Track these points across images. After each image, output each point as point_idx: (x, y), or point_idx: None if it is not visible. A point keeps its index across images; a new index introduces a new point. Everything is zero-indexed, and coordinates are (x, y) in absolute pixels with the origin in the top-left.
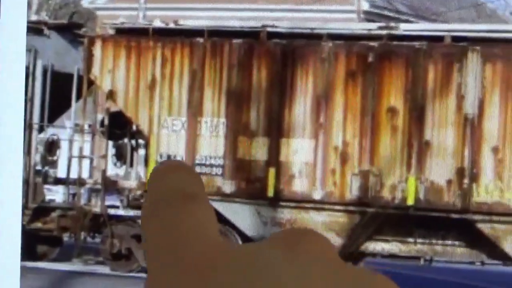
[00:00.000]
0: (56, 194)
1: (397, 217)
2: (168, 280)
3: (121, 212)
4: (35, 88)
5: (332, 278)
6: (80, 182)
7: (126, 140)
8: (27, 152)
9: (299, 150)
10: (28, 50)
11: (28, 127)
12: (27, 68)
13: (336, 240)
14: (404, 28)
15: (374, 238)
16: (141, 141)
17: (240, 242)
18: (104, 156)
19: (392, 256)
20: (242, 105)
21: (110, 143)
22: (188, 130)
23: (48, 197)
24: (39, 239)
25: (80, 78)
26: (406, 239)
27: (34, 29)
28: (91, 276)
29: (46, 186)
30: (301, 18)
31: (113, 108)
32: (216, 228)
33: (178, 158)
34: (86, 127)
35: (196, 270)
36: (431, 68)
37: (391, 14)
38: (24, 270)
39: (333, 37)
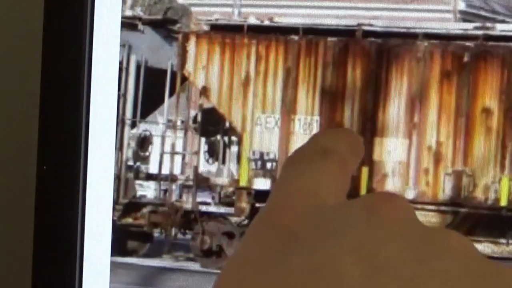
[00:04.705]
0: (147, 190)
1: (489, 218)
2: (268, 234)
3: (212, 208)
4: (128, 84)
5: (411, 240)
6: (171, 178)
7: (218, 137)
8: (119, 147)
9: (392, 149)
10: (122, 45)
11: (120, 122)
12: (121, 63)
13: None
14: (500, 28)
15: None
16: (233, 138)
17: None
18: (197, 153)
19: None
20: (336, 103)
21: (203, 139)
22: (281, 128)
23: (139, 192)
24: (129, 234)
25: (173, 74)
26: (498, 240)
27: (128, 24)
28: (181, 272)
29: (138, 181)
30: (397, 17)
31: (206, 105)
32: (332, 188)
33: (271, 155)
34: (178, 123)
35: (286, 230)
36: None
37: (487, 14)
38: (114, 265)
39: (428, 36)
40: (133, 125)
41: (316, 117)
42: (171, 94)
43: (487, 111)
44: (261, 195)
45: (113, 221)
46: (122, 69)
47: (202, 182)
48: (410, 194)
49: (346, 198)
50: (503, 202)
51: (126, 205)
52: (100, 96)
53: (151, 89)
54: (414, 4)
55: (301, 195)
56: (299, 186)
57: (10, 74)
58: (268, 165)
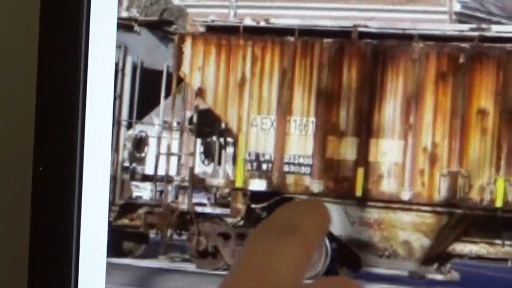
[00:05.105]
0: (143, 191)
1: (485, 219)
2: None
3: (208, 209)
4: (124, 85)
5: None
6: (167, 179)
7: (214, 138)
8: (115, 148)
9: (388, 151)
10: (118, 47)
11: (116, 123)
12: (117, 64)
13: (424, 241)
14: (496, 29)
15: (461, 240)
16: (229, 139)
17: (327, 241)
18: (192, 154)
19: (479, 258)
20: (332, 105)
21: (199, 140)
22: (277, 129)
23: (135, 193)
24: (125, 235)
25: (169, 75)
26: (493, 241)
27: (124, 25)
28: (177, 273)
29: (133, 182)
30: (393, 18)
31: (202, 106)
32: (292, 269)
33: (267, 156)
34: (174, 124)
35: None
36: None
37: (482, 16)
38: (110, 266)
39: (424, 37)
40: (129, 126)
41: (312, 118)
42: (167, 95)
43: (482, 112)
44: (257, 196)
45: (109, 222)
46: (118, 71)
47: (198, 183)
48: (405, 195)
49: (305, 275)
50: (499, 203)
51: (122, 206)
52: (96, 97)
53: (147, 90)
54: (410, 6)
55: (263, 276)
56: (261, 266)
57: (6, 76)
58: (264, 166)
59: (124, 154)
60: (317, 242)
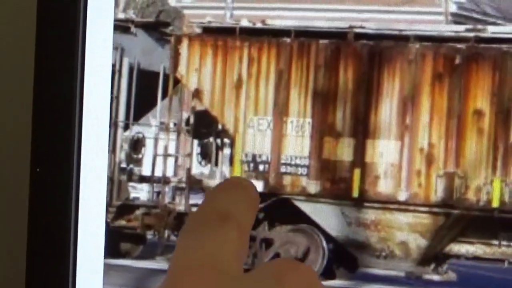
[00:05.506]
0: (140, 192)
1: (481, 220)
2: None
3: None
4: (121, 86)
5: None
6: (164, 180)
7: (211, 139)
8: (112, 150)
9: (384, 151)
10: (115, 48)
11: (113, 125)
12: (113, 66)
13: (421, 242)
14: (492, 30)
15: (458, 240)
16: (226, 140)
17: (324, 242)
18: (189, 155)
19: (476, 258)
20: (328, 106)
21: (195, 141)
22: (274, 130)
23: (132, 195)
24: (122, 236)
25: (166, 76)
26: (490, 242)
27: (121, 27)
28: None
29: (131, 184)
30: (389, 19)
31: (199, 107)
32: (232, 256)
33: (264, 157)
34: (171, 125)
35: None
36: None
37: (478, 17)
38: (107, 267)
39: (420, 38)
40: (126, 127)
41: (308, 119)
42: (163, 96)
43: (478, 113)
44: None
45: (106, 223)
46: (115, 72)
47: (195, 184)
48: (402, 196)
49: (245, 260)
50: (495, 204)
51: (119, 207)
52: (93, 99)
53: (143, 91)
54: (406, 7)
55: (203, 268)
56: (200, 258)
57: (3, 77)
58: (261, 167)
59: (121, 155)
60: (252, 222)
